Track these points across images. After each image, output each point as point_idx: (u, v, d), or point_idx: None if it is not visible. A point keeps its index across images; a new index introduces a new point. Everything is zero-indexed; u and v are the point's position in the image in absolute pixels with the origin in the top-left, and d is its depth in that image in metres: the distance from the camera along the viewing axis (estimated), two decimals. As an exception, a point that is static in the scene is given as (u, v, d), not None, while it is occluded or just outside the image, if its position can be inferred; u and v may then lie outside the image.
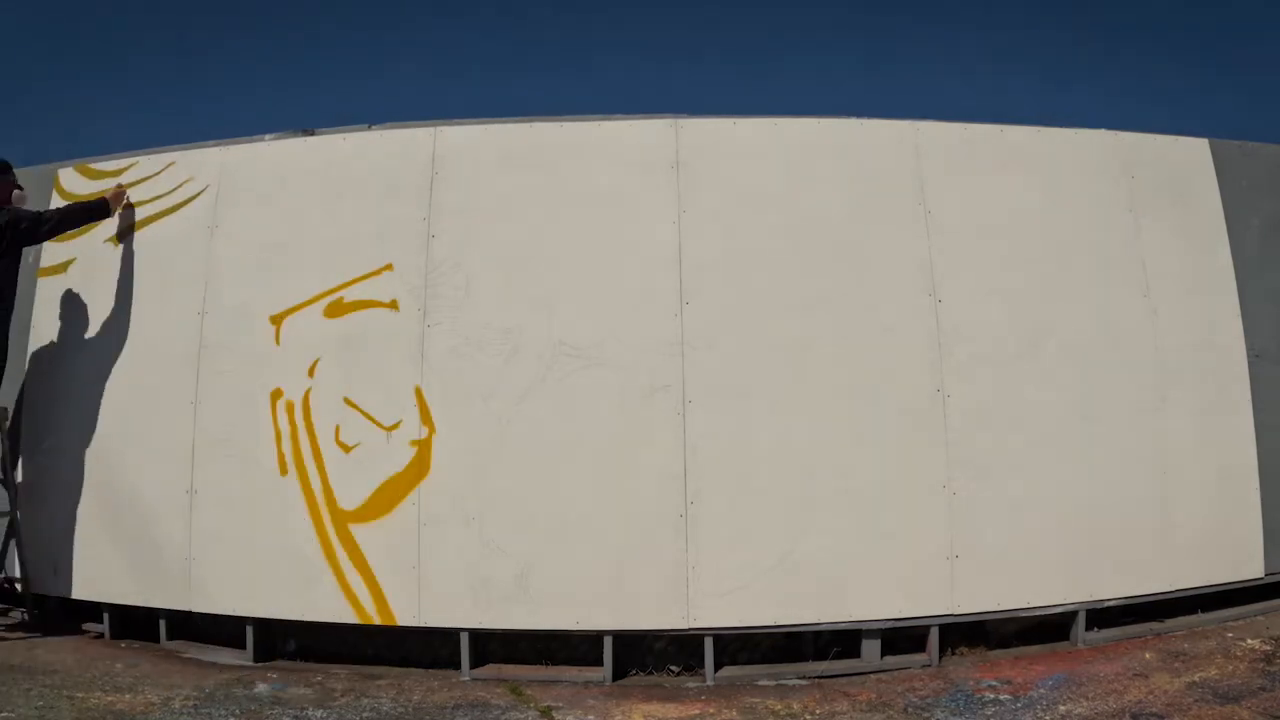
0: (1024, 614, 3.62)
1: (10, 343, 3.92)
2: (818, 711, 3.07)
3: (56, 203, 4.17)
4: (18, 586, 4.01)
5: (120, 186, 4.00)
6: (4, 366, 3.85)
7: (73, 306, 4.06)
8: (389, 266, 3.75)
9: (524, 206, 3.75)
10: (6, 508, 3.95)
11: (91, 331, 4.00)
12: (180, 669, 3.59)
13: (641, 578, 3.49)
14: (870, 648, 3.54)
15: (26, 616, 4.00)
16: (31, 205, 4.20)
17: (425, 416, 3.63)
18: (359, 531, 3.61)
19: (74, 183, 4.18)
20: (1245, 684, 3.12)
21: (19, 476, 3.99)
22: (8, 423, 3.98)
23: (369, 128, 3.92)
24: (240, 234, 3.89)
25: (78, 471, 3.92)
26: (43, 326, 4.09)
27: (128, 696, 3.14)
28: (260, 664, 3.67)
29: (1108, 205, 3.92)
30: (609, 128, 3.83)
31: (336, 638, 3.74)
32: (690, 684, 3.47)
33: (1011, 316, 3.74)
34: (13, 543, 3.95)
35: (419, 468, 3.60)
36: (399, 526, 3.58)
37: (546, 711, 3.10)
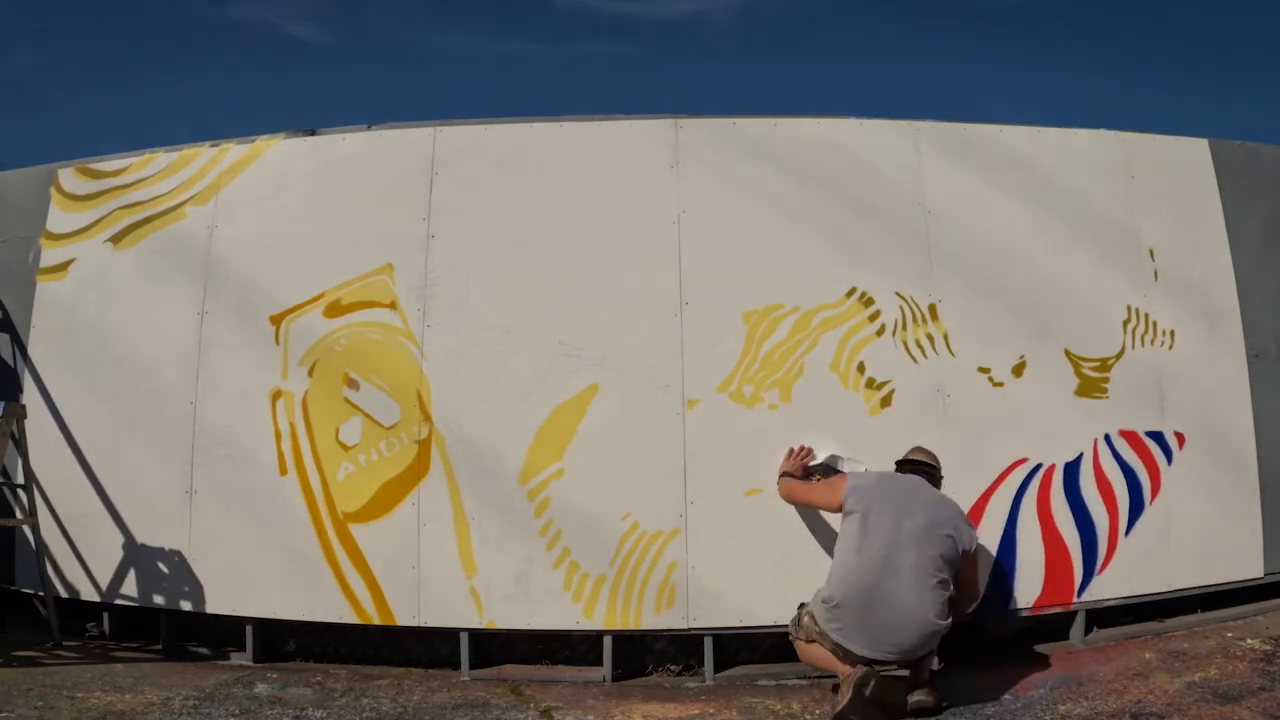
0: (1023, 614, 3.62)
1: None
2: (817, 711, 3.07)
3: (55, 203, 4.17)
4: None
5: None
6: None
7: (73, 308, 4.05)
8: (389, 266, 3.75)
9: (523, 206, 3.75)
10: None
11: (91, 332, 4.00)
12: (180, 669, 3.59)
13: (641, 578, 3.49)
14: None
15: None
16: (31, 205, 4.20)
17: (425, 416, 3.63)
18: (359, 532, 3.61)
19: (74, 183, 4.17)
20: (1245, 684, 3.12)
21: (19, 477, 3.99)
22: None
23: (369, 128, 3.92)
24: (240, 234, 3.89)
25: (76, 471, 3.92)
26: (43, 328, 4.09)
27: (128, 696, 3.14)
28: (260, 664, 3.67)
29: (1107, 205, 3.93)
30: (608, 127, 3.83)
31: (337, 638, 3.75)
32: (690, 684, 3.47)
33: (1013, 319, 3.75)
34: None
35: (419, 468, 3.60)
36: (399, 526, 3.58)
37: (546, 712, 3.10)
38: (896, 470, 3.29)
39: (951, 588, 2.98)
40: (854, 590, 2.92)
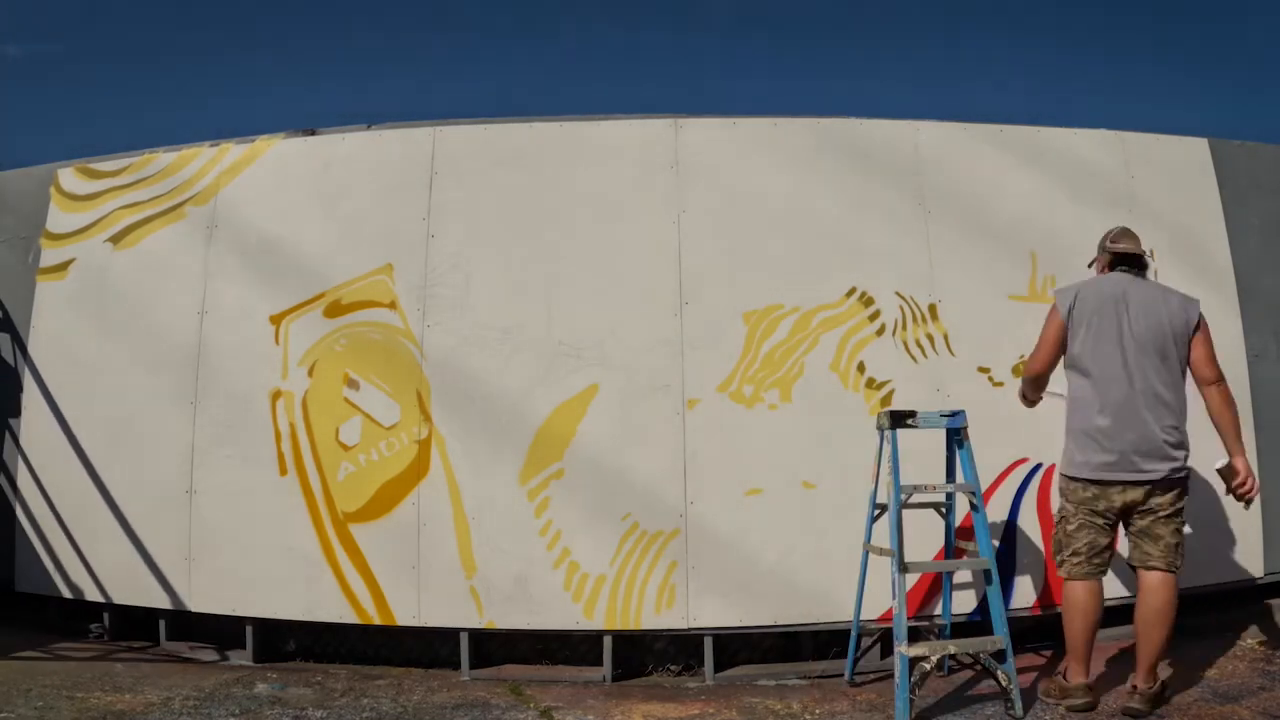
0: (1023, 614, 3.62)
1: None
2: (817, 711, 3.07)
3: (55, 203, 4.17)
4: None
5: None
6: None
7: (72, 307, 4.05)
8: (389, 266, 3.75)
9: (523, 206, 3.75)
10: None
11: (91, 332, 4.00)
12: (180, 669, 3.59)
13: (641, 578, 3.49)
14: (870, 647, 3.55)
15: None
16: (31, 206, 4.20)
17: (425, 416, 3.63)
18: (359, 532, 3.61)
19: (74, 183, 4.18)
20: (1245, 684, 3.13)
21: (18, 476, 3.99)
22: None
23: (369, 128, 3.92)
24: (240, 234, 3.89)
25: (78, 471, 3.92)
26: (42, 328, 4.09)
27: (128, 696, 3.14)
28: (260, 664, 3.68)
29: (1106, 205, 3.92)
30: (608, 127, 3.83)
31: (336, 638, 3.75)
32: (690, 684, 3.47)
33: (1011, 318, 3.75)
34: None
35: (418, 468, 3.61)
36: (398, 526, 3.58)
37: (546, 712, 3.10)
38: (1113, 261, 3.09)
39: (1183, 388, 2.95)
40: (1099, 419, 2.94)
